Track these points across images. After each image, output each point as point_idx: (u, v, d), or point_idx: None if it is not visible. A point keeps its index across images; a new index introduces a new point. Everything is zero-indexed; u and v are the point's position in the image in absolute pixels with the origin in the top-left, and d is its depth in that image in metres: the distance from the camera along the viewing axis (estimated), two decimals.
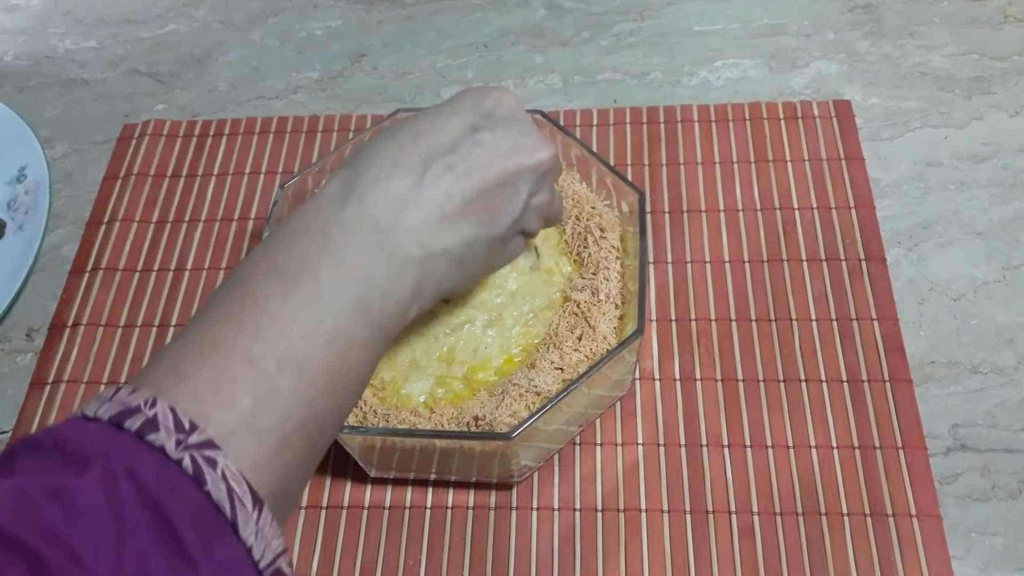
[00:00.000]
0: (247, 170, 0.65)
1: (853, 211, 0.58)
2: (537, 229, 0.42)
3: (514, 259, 0.42)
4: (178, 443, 0.27)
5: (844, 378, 0.52)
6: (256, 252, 0.34)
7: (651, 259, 0.57)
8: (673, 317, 0.55)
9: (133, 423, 0.27)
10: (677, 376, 0.53)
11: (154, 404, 0.27)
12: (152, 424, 0.27)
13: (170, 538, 0.25)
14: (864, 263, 0.56)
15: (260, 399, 0.29)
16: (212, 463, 0.27)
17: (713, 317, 0.55)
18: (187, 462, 0.26)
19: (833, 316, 0.54)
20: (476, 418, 0.44)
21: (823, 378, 0.52)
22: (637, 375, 0.53)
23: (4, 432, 0.55)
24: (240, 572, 0.27)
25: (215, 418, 0.28)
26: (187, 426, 0.27)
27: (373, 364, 0.35)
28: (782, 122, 0.63)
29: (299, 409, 0.30)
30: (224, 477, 0.27)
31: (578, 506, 0.49)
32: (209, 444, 0.27)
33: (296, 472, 0.31)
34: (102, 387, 0.56)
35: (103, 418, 0.27)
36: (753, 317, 0.55)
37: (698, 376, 0.53)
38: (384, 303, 0.34)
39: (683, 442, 0.51)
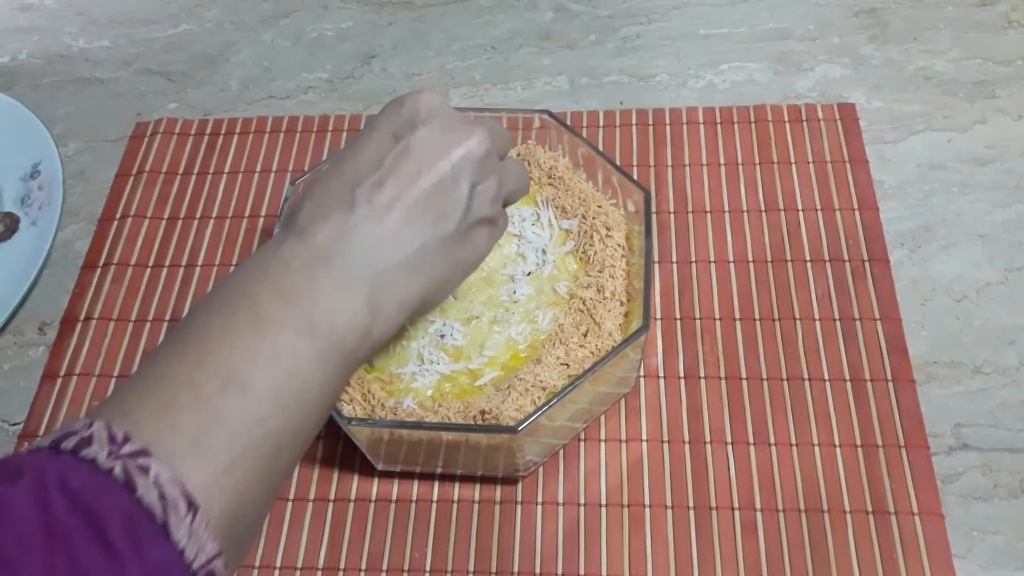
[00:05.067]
0: (258, 168, 0.66)
1: (857, 213, 0.59)
2: (495, 214, 0.40)
3: (486, 251, 0.41)
4: (110, 454, 0.28)
5: (847, 377, 0.52)
6: (199, 301, 0.35)
7: (656, 258, 0.58)
8: (678, 316, 0.56)
9: (68, 443, 0.28)
10: (681, 374, 0.53)
11: (90, 426, 0.28)
12: (86, 441, 0.28)
13: (99, 540, 0.26)
14: (867, 264, 0.56)
15: (202, 422, 0.30)
16: (144, 470, 0.28)
17: (717, 316, 0.55)
18: (118, 470, 0.27)
19: (836, 316, 0.55)
20: (483, 412, 0.45)
21: (826, 377, 0.52)
22: (642, 372, 0.53)
23: (16, 424, 0.55)
24: (172, 573, 0.27)
25: (157, 443, 0.29)
26: (120, 438, 0.28)
27: (335, 382, 0.35)
28: (787, 124, 0.64)
29: (246, 429, 0.31)
30: (156, 483, 0.28)
31: (582, 501, 0.50)
32: (142, 453, 0.28)
33: (251, 493, 0.31)
34: (113, 380, 0.56)
35: (44, 446, 0.28)
36: (757, 316, 0.55)
37: (702, 374, 0.53)
38: (334, 319, 0.34)
39: (687, 439, 0.51)
